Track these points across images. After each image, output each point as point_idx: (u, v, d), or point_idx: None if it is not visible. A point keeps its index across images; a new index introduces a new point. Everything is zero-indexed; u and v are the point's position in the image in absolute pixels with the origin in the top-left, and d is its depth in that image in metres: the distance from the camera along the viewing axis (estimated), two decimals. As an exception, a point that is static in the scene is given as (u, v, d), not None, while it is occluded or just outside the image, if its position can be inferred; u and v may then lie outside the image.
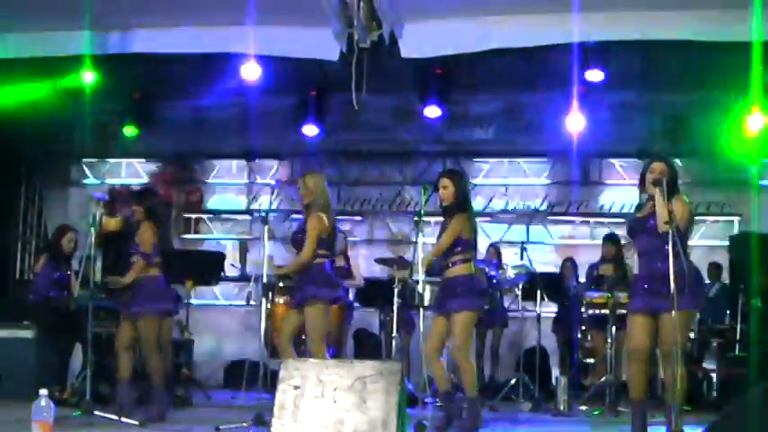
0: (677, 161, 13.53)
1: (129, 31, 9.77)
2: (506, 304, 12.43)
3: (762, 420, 5.69)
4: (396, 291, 9.81)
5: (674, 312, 6.98)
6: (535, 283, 11.22)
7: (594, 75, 11.99)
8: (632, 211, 7.93)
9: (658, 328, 7.32)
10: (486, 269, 11.36)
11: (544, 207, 14.69)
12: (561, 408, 10.26)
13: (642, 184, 7.57)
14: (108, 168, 15.69)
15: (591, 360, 11.60)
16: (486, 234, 14.48)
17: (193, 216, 15.48)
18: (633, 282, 7.80)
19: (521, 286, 11.27)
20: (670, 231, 7.10)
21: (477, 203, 14.63)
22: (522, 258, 11.84)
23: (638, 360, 7.48)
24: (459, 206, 8.31)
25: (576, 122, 12.86)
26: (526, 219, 14.73)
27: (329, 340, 10.81)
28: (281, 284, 9.33)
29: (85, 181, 15.66)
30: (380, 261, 11.75)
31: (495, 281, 11.27)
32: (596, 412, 10.18)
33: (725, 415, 6.71)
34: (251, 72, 11.25)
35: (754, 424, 5.75)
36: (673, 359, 7.14)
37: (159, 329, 9.04)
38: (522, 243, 12.31)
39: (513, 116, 14.62)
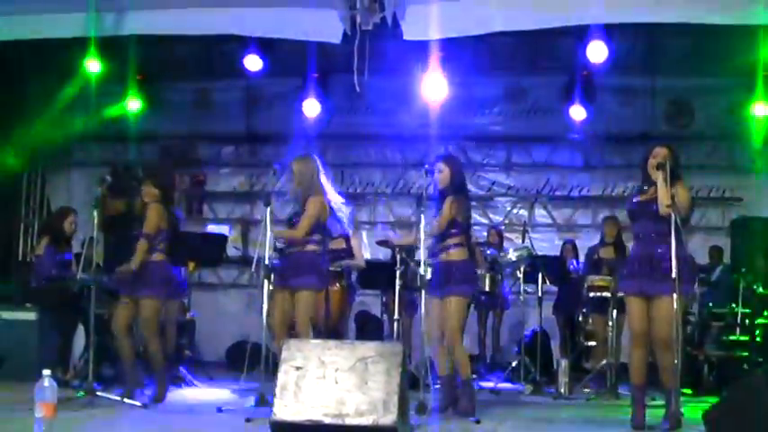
0: (679, 145, 13.63)
1: (132, 13, 9.74)
2: (507, 287, 12.44)
3: (763, 404, 5.71)
4: (398, 273, 9.80)
5: (675, 296, 7.04)
6: (536, 266, 11.24)
7: (598, 58, 11.96)
8: (633, 194, 7.92)
9: (651, 311, 7.38)
10: (488, 251, 11.39)
11: (546, 190, 14.70)
12: (562, 390, 10.28)
13: (644, 168, 7.63)
14: (111, 150, 15.66)
15: (592, 343, 11.60)
16: (488, 217, 14.52)
17: (196, 198, 15.47)
18: (627, 263, 7.82)
19: (522, 269, 11.26)
20: (672, 216, 7.14)
21: (480, 186, 14.66)
22: (523, 241, 11.85)
23: (641, 344, 7.55)
24: (455, 190, 8.39)
25: (578, 106, 12.86)
26: (528, 202, 14.75)
27: (330, 323, 10.86)
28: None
29: (88, 162, 15.64)
30: (382, 243, 11.74)
31: (496, 263, 11.28)
32: (596, 396, 10.20)
33: (725, 398, 6.74)
34: (253, 64, 11.49)
35: (754, 407, 5.78)
36: (673, 342, 7.18)
37: (159, 313, 9.09)
38: (524, 226, 12.32)
39: (516, 99, 14.62)
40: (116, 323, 8.87)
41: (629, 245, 8.48)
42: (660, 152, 7.54)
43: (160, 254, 8.85)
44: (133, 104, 14.35)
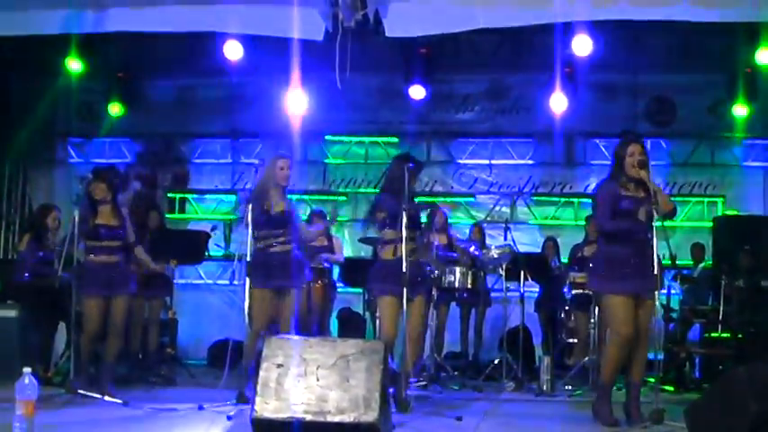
0: (662, 142, 13.74)
1: (113, 10, 9.69)
2: (489, 284, 12.44)
3: (743, 401, 5.73)
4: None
5: (656, 294, 7.09)
6: (519, 264, 11.24)
7: (582, 51, 11.94)
8: (608, 190, 7.72)
9: (639, 310, 7.38)
10: (473, 248, 11.38)
11: (528, 187, 14.71)
12: (544, 387, 10.28)
13: (620, 165, 7.57)
14: (93, 148, 15.59)
15: (574, 340, 11.62)
16: (471, 214, 14.52)
17: (178, 195, 15.41)
18: (613, 264, 7.53)
19: (504, 266, 11.26)
20: (654, 215, 7.16)
21: (462, 183, 14.68)
22: (505, 238, 11.86)
23: (626, 346, 7.44)
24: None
25: (560, 103, 12.89)
26: (510, 199, 14.75)
27: (312, 319, 10.86)
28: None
29: (70, 160, 15.59)
30: (364, 241, 11.74)
31: (478, 261, 11.28)
32: (578, 392, 10.21)
33: (707, 395, 6.76)
34: (233, 51, 11.46)
35: (735, 404, 5.79)
36: (653, 340, 7.23)
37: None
38: (506, 223, 12.30)
39: (498, 96, 14.64)
40: (115, 321, 8.93)
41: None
42: (637, 149, 7.51)
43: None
44: (115, 102, 14.34)
